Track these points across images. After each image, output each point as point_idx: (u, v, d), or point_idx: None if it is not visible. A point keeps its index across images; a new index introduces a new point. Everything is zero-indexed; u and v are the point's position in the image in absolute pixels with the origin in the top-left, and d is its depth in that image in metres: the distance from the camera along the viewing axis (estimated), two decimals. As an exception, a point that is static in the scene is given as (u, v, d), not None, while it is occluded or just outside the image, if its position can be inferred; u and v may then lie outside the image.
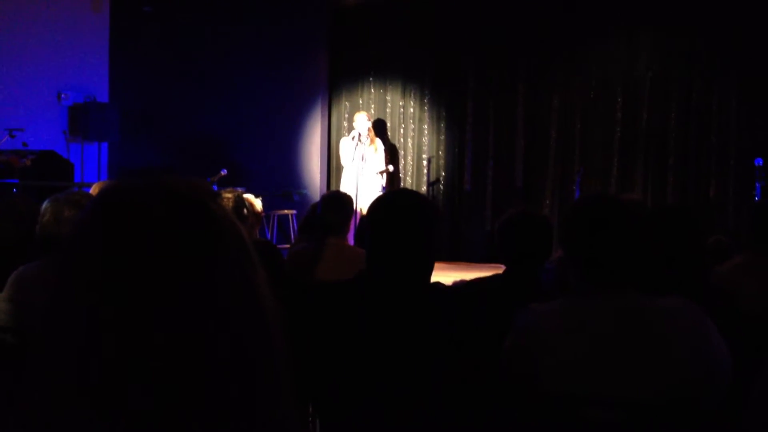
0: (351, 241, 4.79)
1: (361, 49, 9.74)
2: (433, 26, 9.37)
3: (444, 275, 4.47)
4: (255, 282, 0.84)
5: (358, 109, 9.46)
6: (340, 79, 9.97)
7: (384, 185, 8.71)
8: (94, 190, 5.43)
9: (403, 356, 1.95)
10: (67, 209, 2.81)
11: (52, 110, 9.61)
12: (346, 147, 8.67)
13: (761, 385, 1.92)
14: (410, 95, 9.66)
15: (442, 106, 9.51)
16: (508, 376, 2.06)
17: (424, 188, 9.28)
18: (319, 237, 4.09)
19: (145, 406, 0.76)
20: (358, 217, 6.93)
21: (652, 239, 2.45)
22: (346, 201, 4.34)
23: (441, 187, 9.47)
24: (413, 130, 9.65)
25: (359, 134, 8.38)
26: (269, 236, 9.04)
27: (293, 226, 9.15)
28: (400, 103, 9.71)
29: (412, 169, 9.62)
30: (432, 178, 9.40)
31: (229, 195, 3.90)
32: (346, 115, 9.86)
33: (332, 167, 9.84)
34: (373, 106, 9.76)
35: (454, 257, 9.05)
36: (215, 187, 6.66)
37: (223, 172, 8.03)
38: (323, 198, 4.42)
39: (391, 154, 9.43)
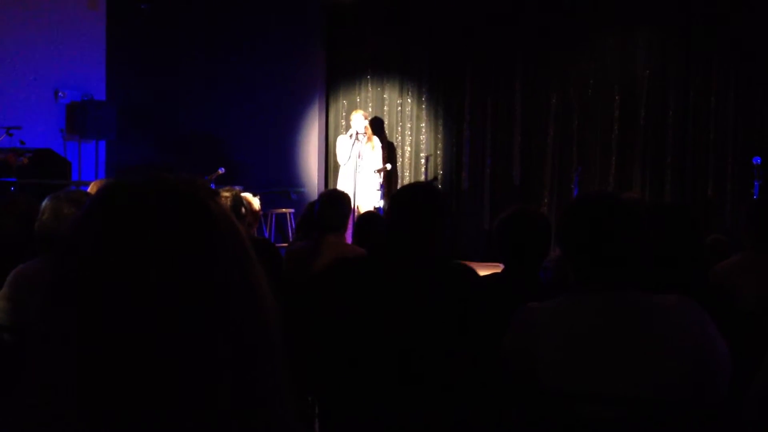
0: (349, 239, 4.78)
1: (359, 48, 9.72)
2: (431, 24, 9.36)
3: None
4: (254, 280, 0.84)
5: (355, 107, 9.45)
6: (337, 77, 9.95)
7: (381, 183, 8.71)
8: (91, 188, 5.43)
9: (415, 321, 2.20)
10: (66, 207, 2.80)
11: (50, 108, 9.59)
12: (343, 145, 8.66)
13: (759, 382, 1.92)
14: (408, 93, 9.65)
15: (440, 104, 9.50)
16: (507, 374, 2.06)
17: (421, 187, 9.23)
18: (317, 235, 4.08)
19: (143, 405, 0.75)
20: (356, 215, 6.91)
21: (651, 237, 2.45)
22: (343, 199, 4.33)
23: (438, 185, 9.44)
24: (411, 128, 9.63)
25: (356, 132, 8.37)
26: (267, 235, 9.03)
27: (291, 225, 9.14)
28: (398, 101, 9.70)
29: (410, 167, 9.61)
30: (430, 176, 9.38)
31: (228, 194, 3.90)
32: (344, 114, 9.84)
33: (330, 165, 9.82)
34: (370, 104, 9.75)
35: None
36: (213, 186, 6.65)
37: (221, 171, 8.02)
38: (321, 196, 4.41)
39: (389, 152, 9.41)
